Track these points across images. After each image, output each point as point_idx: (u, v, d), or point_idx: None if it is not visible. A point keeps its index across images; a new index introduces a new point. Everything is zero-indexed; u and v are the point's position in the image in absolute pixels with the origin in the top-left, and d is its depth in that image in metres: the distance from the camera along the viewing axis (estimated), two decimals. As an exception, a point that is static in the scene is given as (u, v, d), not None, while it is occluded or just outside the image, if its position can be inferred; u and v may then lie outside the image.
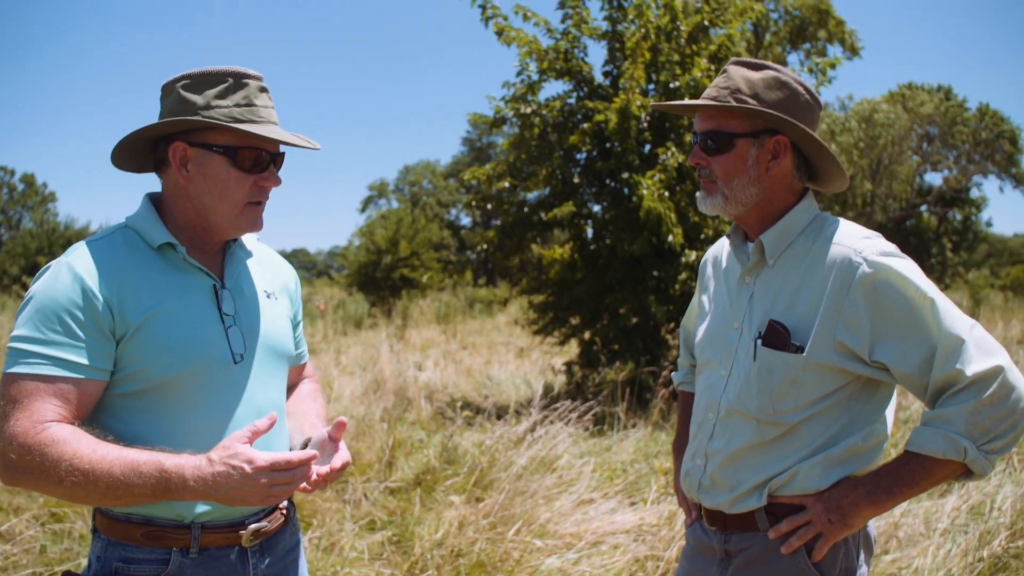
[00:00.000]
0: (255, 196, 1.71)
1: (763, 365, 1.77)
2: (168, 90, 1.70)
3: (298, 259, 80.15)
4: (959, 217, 39.93)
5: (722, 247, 2.07)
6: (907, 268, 1.67)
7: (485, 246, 9.18)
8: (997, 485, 4.76)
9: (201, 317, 1.69)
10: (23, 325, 1.57)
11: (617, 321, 8.44)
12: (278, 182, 1.75)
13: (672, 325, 8.66)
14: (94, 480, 1.47)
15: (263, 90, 1.72)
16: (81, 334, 1.56)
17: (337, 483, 5.58)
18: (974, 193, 38.75)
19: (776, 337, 1.75)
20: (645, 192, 7.52)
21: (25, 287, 16.17)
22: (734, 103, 1.76)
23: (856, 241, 1.72)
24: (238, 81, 1.68)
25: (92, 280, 1.58)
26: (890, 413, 1.82)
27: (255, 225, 1.75)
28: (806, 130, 1.75)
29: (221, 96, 1.66)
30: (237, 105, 1.66)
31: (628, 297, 8.35)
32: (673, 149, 7.92)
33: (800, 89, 1.80)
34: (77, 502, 1.57)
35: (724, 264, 2.01)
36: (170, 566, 1.62)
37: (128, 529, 1.62)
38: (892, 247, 1.72)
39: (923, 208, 38.00)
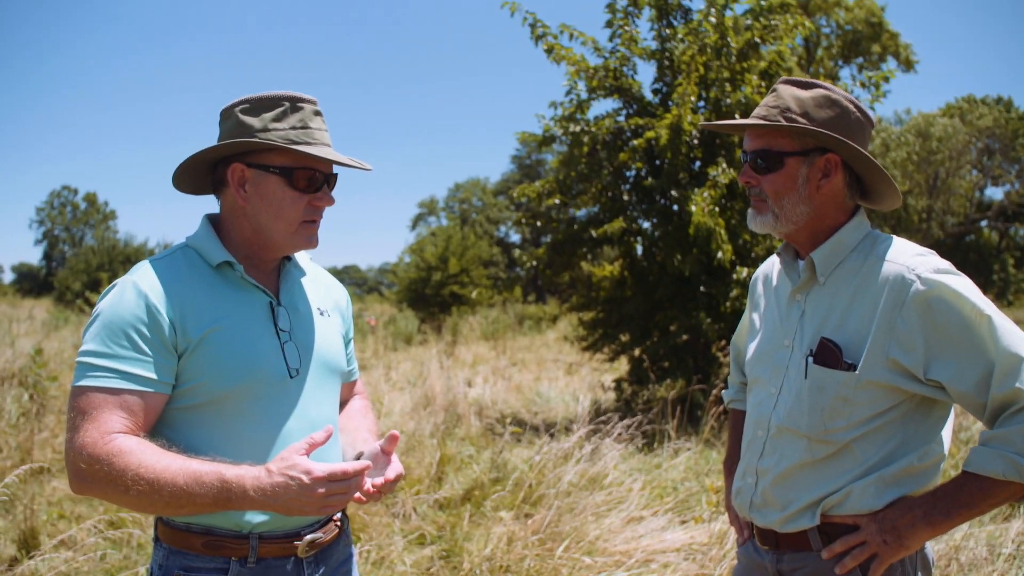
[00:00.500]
0: (309, 215, 1.77)
1: (815, 383, 1.75)
2: (227, 114, 1.77)
3: (349, 275, 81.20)
4: (1022, 232, 38.74)
5: (772, 265, 2.06)
6: (962, 285, 1.65)
7: (535, 263, 9.21)
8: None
9: (258, 333, 1.74)
10: (91, 340, 1.63)
11: (667, 338, 8.38)
12: (331, 202, 1.81)
13: (723, 343, 8.57)
14: (158, 490, 1.52)
15: (317, 113, 1.79)
16: (146, 349, 1.63)
17: (387, 497, 5.63)
18: (1037, 208, 37.59)
19: (828, 355, 1.73)
20: (695, 208, 7.48)
21: (88, 302, 16.67)
22: (784, 122, 1.76)
23: (909, 258, 1.71)
24: (294, 105, 1.75)
25: (156, 297, 1.65)
26: (947, 433, 1.79)
27: (311, 242, 1.81)
28: (857, 148, 1.74)
29: (278, 119, 1.72)
30: (293, 128, 1.73)
31: (678, 314, 8.29)
32: (724, 166, 7.87)
33: (851, 107, 1.79)
34: (141, 511, 1.62)
35: (775, 282, 2.00)
36: (229, 575, 1.67)
37: (188, 538, 1.67)
38: (946, 264, 1.70)
39: (983, 223, 36.98)
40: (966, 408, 1.67)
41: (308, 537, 1.75)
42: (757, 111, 1.83)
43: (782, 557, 1.84)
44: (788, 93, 1.80)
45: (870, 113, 1.82)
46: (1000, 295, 34.21)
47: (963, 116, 33.10)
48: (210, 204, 1.87)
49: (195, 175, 1.84)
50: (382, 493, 1.77)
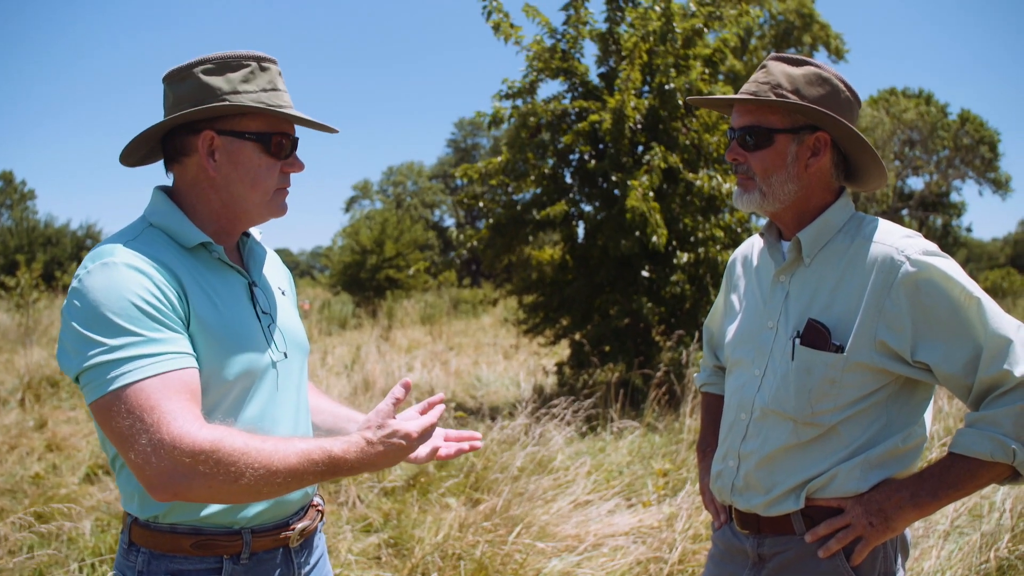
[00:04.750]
0: (283, 182, 1.67)
1: (802, 365, 1.73)
2: (182, 75, 1.60)
3: (281, 259, 79.48)
4: (939, 222, 40.27)
5: (752, 246, 2.03)
6: (951, 267, 1.64)
7: (476, 243, 9.12)
8: (994, 487, 4.77)
9: (245, 317, 1.63)
10: (100, 335, 1.40)
11: (608, 322, 8.42)
12: (302, 167, 1.70)
13: (663, 327, 8.65)
14: (275, 472, 1.40)
15: (280, 74, 1.68)
16: (172, 324, 1.46)
17: (330, 486, 5.51)
18: (954, 198, 39.16)
19: (816, 336, 1.71)
20: (631, 193, 7.50)
21: (3, 285, 15.42)
22: (775, 98, 1.72)
23: (898, 240, 1.69)
24: (261, 65, 1.63)
25: (157, 273, 1.47)
26: (928, 416, 1.79)
27: (282, 210, 1.70)
28: (849, 126, 1.72)
29: (246, 80, 1.59)
30: (264, 90, 1.61)
31: (619, 298, 8.32)
32: (659, 150, 7.89)
33: (841, 85, 1.76)
34: (236, 501, 1.48)
35: (756, 263, 1.97)
36: (222, 574, 1.56)
37: (175, 540, 1.55)
38: (934, 246, 1.69)
39: (904, 212, 38.31)
40: (951, 390, 1.66)
41: (299, 525, 1.69)
42: (746, 87, 1.78)
43: (763, 541, 1.82)
44: (779, 70, 1.75)
45: (857, 92, 1.80)
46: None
47: (888, 108, 34.16)
48: (138, 179, 1.69)
49: (144, 147, 1.67)
50: (460, 441, 1.90)
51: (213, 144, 1.60)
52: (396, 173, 56.13)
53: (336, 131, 1.77)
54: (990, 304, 1.62)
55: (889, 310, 1.65)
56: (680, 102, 8.07)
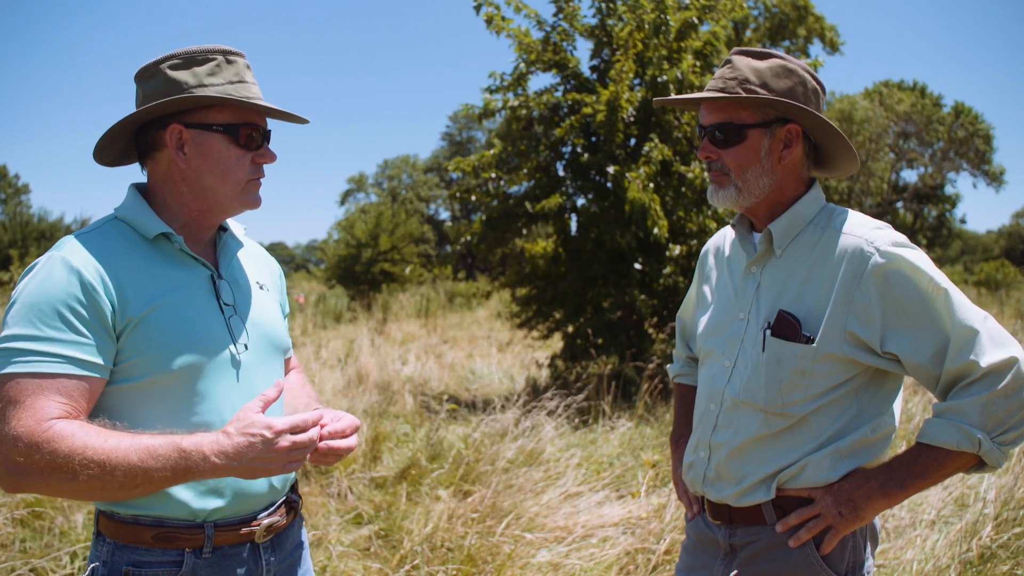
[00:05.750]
0: (254, 173, 1.68)
1: (772, 356, 1.74)
2: (150, 72, 1.63)
3: (276, 253, 79.55)
4: (934, 214, 40.32)
5: (724, 237, 2.04)
6: (919, 259, 1.66)
7: (469, 237, 9.13)
8: (980, 477, 4.81)
9: (202, 308, 1.64)
10: (15, 324, 1.46)
11: (601, 315, 8.43)
12: (274, 158, 1.71)
13: (656, 319, 8.66)
14: (111, 470, 1.39)
15: (248, 67, 1.69)
16: (83, 329, 1.48)
17: (321, 477, 5.52)
18: (948, 190, 39.15)
19: (787, 327, 1.72)
20: (631, 185, 7.51)
21: None
22: (743, 94, 1.73)
23: (868, 231, 1.70)
24: (227, 58, 1.64)
25: (91, 273, 1.50)
26: (897, 406, 1.81)
27: (255, 202, 1.71)
28: (820, 116, 1.73)
29: (212, 74, 1.61)
30: (230, 82, 1.62)
31: (612, 291, 8.34)
32: (657, 142, 7.91)
33: (807, 75, 1.77)
34: (91, 499, 1.47)
35: (727, 253, 1.98)
36: (183, 567, 1.57)
37: (137, 532, 1.56)
38: (903, 238, 1.70)
39: (899, 205, 38.35)
40: (920, 380, 1.68)
41: (265, 521, 1.68)
42: (713, 83, 1.79)
43: (735, 531, 1.84)
44: (744, 64, 1.77)
45: (821, 80, 1.81)
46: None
47: (882, 100, 34.15)
48: (132, 175, 1.72)
49: (117, 144, 1.70)
50: (342, 447, 1.65)
51: (182, 137, 1.62)
52: (391, 166, 56.01)
53: (306, 121, 1.77)
54: (957, 295, 1.64)
55: (859, 301, 1.66)
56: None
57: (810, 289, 1.73)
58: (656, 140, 7.94)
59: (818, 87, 1.80)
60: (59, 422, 1.43)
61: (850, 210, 1.80)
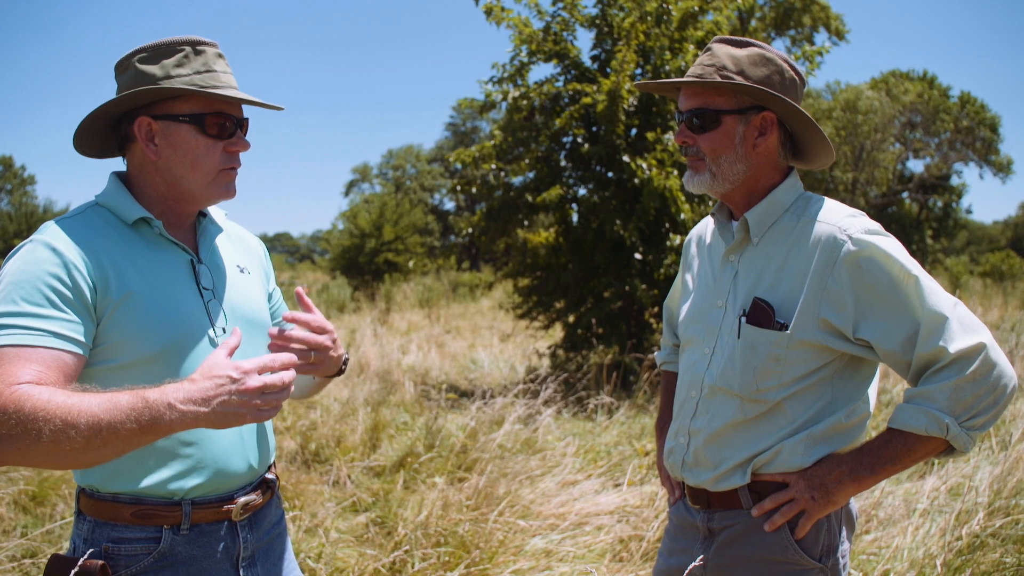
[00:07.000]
0: (226, 163, 1.70)
1: (747, 342, 1.77)
2: (123, 66, 1.67)
3: (281, 243, 79.62)
4: (940, 204, 40.16)
5: (706, 226, 2.06)
6: (891, 246, 1.68)
7: (471, 229, 9.16)
8: (975, 467, 4.83)
9: (181, 292, 1.67)
10: None
11: (601, 305, 8.45)
12: (247, 146, 1.73)
13: (656, 309, 8.68)
14: (73, 423, 1.33)
15: (220, 56, 1.71)
16: (64, 306, 1.50)
17: (320, 465, 5.57)
18: (954, 180, 39.00)
19: (760, 314, 1.75)
20: (652, 172, 7.56)
21: None
22: (719, 79, 1.75)
23: (841, 219, 1.72)
24: (195, 49, 1.67)
25: (73, 255, 1.53)
26: (872, 392, 1.83)
27: (229, 192, 1.73)
28: (794, 105, 1.74)
29: (179, 65, 1.64)
30: (197, 72, 1.65)
31: (613, 281, 8.36)
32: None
33: (785, 65, 1.79)
34: (60, 461, 1.39)
35: (708, 242, 2.01)
36: (161, 544, 1.60)
37: (116, 509, 1.59)
38: (876, 225, 1.72)
39: (905, 195, 38.20)
40: (891, 366, 1.70)
41: (242, 500, 1.71)
42: (692, 70, 1.81)
43: (713, 516, 1.86)
44: (723, 51, 1.79)
45: (801, 71, 1.83)
46: (919, 265, 35.44)
47: (889, 90, 33.99)
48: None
49: (97, 136, 1.73)
50: (320, 350, 1.68)
51: (152, 129, 1.65)
52: (395, 156, 55.99)
53: (280, 108, 1.79)
54: (928, 282, 1.66)
55: (832, 288, 1.69)
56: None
57: (785, 276, 1.75)
58: (659, 130, 7.97)
59: (796, 77, 1.82)
60: (27, 385, 1.39)
61: (826, 198, 1.81)
